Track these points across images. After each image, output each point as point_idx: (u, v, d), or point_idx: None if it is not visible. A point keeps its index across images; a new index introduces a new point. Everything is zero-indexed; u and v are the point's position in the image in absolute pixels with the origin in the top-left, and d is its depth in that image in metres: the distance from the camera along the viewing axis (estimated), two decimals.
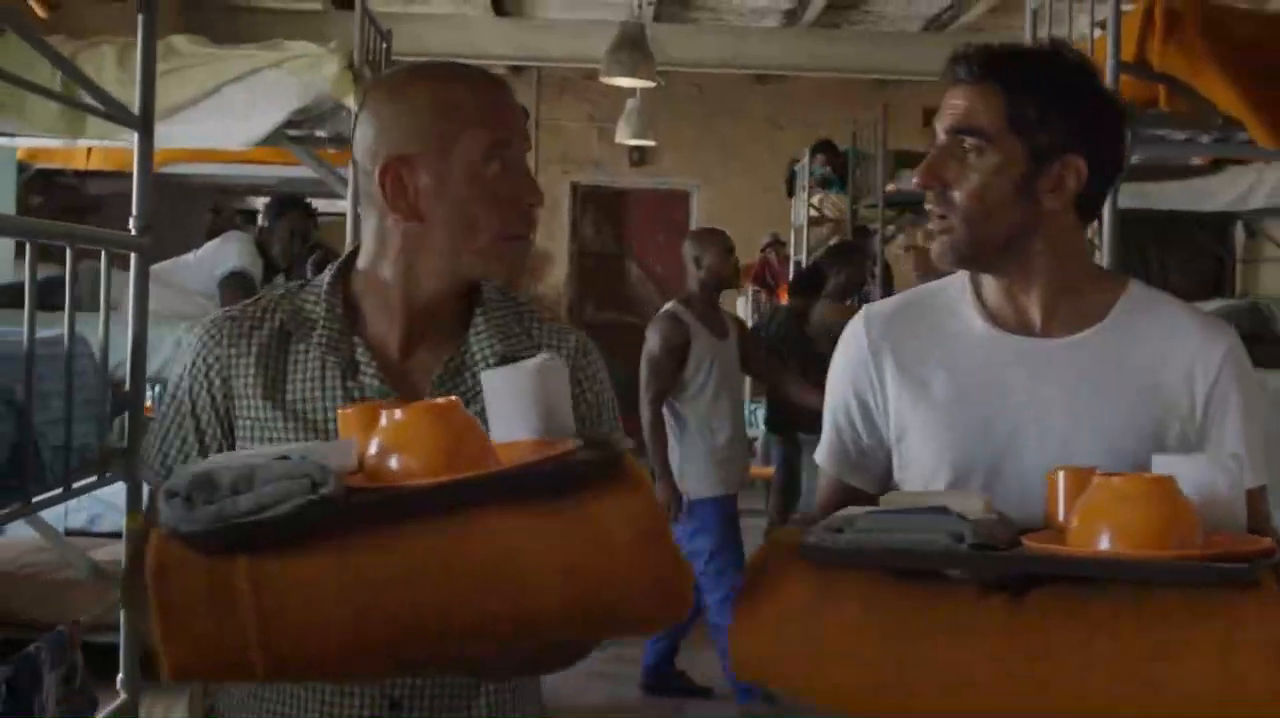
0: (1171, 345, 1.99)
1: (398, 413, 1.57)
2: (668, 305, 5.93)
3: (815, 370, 6.04)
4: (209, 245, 6.06)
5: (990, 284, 2.05)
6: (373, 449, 1.56)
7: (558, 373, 1.70)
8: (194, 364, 1.85)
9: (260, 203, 8.53)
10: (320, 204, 7.17)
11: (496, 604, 1.46)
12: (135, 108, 3.07)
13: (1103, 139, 2.00)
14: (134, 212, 3.05)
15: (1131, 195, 7.08)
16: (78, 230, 2.90)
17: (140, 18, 2.97)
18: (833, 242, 9.70)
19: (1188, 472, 1.66)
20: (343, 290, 1.88)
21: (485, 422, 1.67)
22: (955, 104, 1.98)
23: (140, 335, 3.05)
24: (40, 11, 5.30)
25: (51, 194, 7.50)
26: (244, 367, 1.84)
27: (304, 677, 1.66)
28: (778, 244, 11.48)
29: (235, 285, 5.69)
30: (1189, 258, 7.76)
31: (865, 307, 2.19)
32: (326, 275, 1.91)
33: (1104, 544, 1.56)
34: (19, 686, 2.57)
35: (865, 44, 11.62)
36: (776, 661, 1.63)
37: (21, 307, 2.60)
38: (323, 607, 1.47)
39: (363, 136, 1.85)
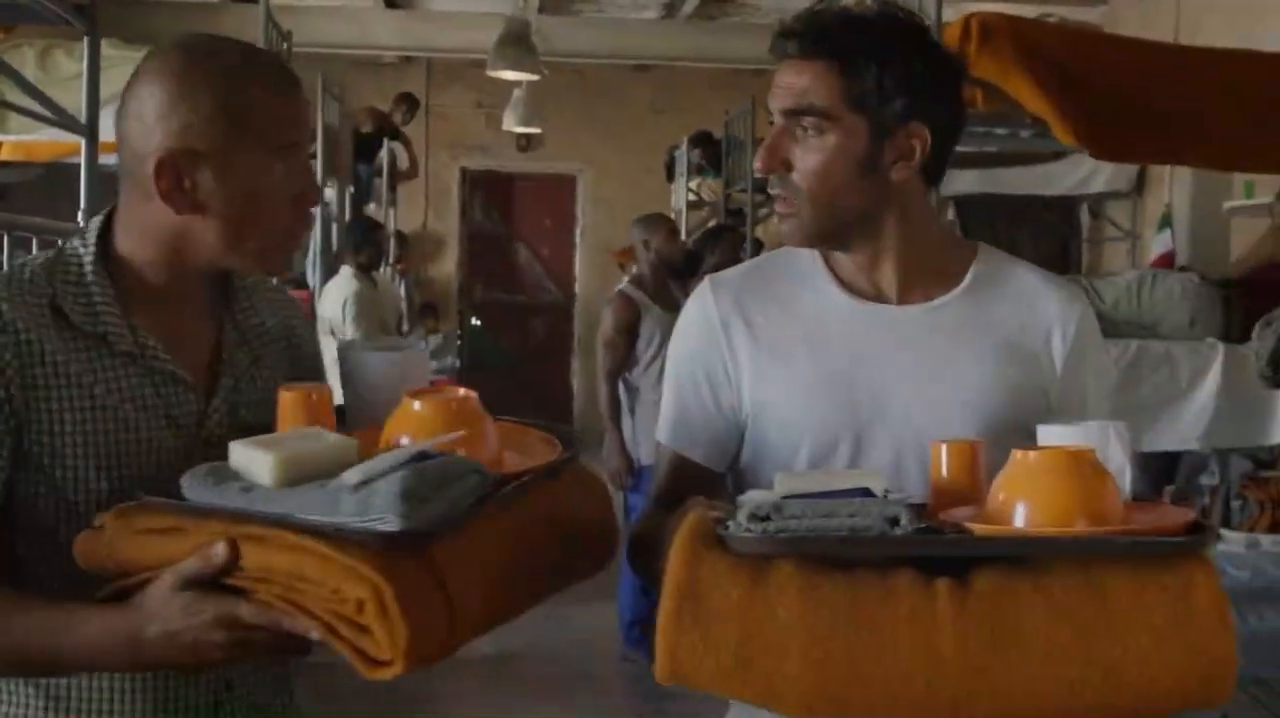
0: (1029, 307, 1.97)
1: (441, 401, 1.68)
2: (620, 286, 6.47)
3: None
4: None
5: (842, 257, 1.99)
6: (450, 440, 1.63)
7: (424, 360, 1.88)
8: None
9: None
10: None
11: None
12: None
13: (944, 102, 1.92)
14: (81, 206, 3.50)
15: (983, 180, 7.71)
16: (20, 220, 3.33)
17: (86, 40, 3.42)
18: (711, 224, 10.16)
19: (1083, 439, 1.64)
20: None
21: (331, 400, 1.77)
22: (789, 83, 1.88)
23: None
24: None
25: None
26: (38, 361, 1.68)
27: (476, 635, 1.62)
28: None
29: None
30: (1038, 238, 8.34)
31: (709, 276, 2.10)
32: (80, 248, 1.76)
33: (1032, 521, 1.52)
34: None
35: (741, 35, 12.01)
36: (711, 663, 1.48)
37: None
38: (479, 573, 1.57)
39: (136, 114, 1.69)
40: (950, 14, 4.89)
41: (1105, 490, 1.54)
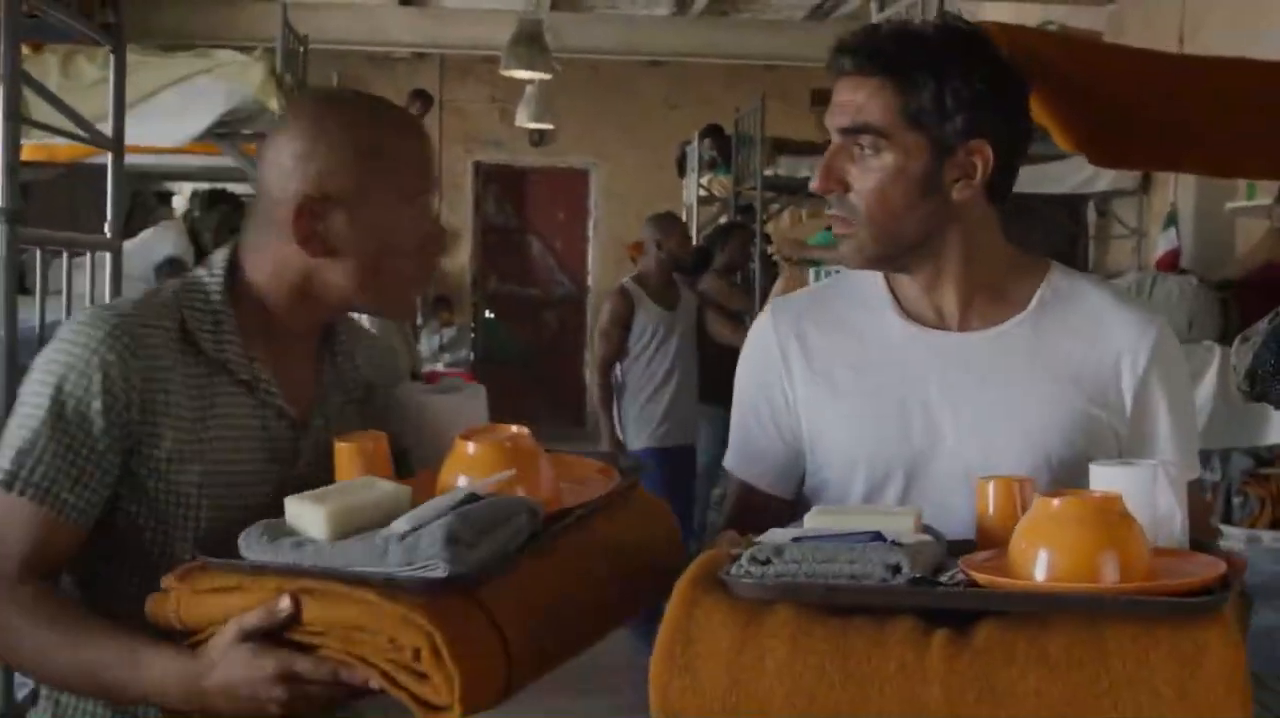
0: (1097, 335, 1.88)
1: (500, 444, 1.70)
2: (622, 281, 6.69)
3: (703, 344, 6.77)
4: (144, 234, 6.54)
5: (904, 279, 1.93)
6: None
7: (483, 398, 1.91)
8: (103, 380, 1.69)
9: (176, 187, 9.01)
10: (239, 188, 7.67)
11: None
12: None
13: (1007, 117, 1.84)
14: (109, 218, 3.62)
15: None
16: (53, 236, 3.46)
17: (112, 57, 3.53)
18: (722, 220, 10.23)
19: (1128, 482, 1.57)
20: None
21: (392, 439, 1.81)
22: (844, 100, 1.83)
23: None
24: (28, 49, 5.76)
25: None
26: (162, 383, 1.73)
27: (534, 677, 1.63)
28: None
29: (171, 272, 6.20)
30: (1045, 236, 8.41)
31: (774, 300, 2.08)
32: (207, 276, 1.82)
33: (1050, 571, 1.46)
34: None
35: (752, 31, 12.09)
36: (700, 704, 1.47)
37: None
38: (535, 615, 1.59)
39: (275, 161, 1.77)
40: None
41: (1129, 541, 1.47)
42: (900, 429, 1.88)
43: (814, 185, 1.87)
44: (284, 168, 1.76)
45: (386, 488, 1.66)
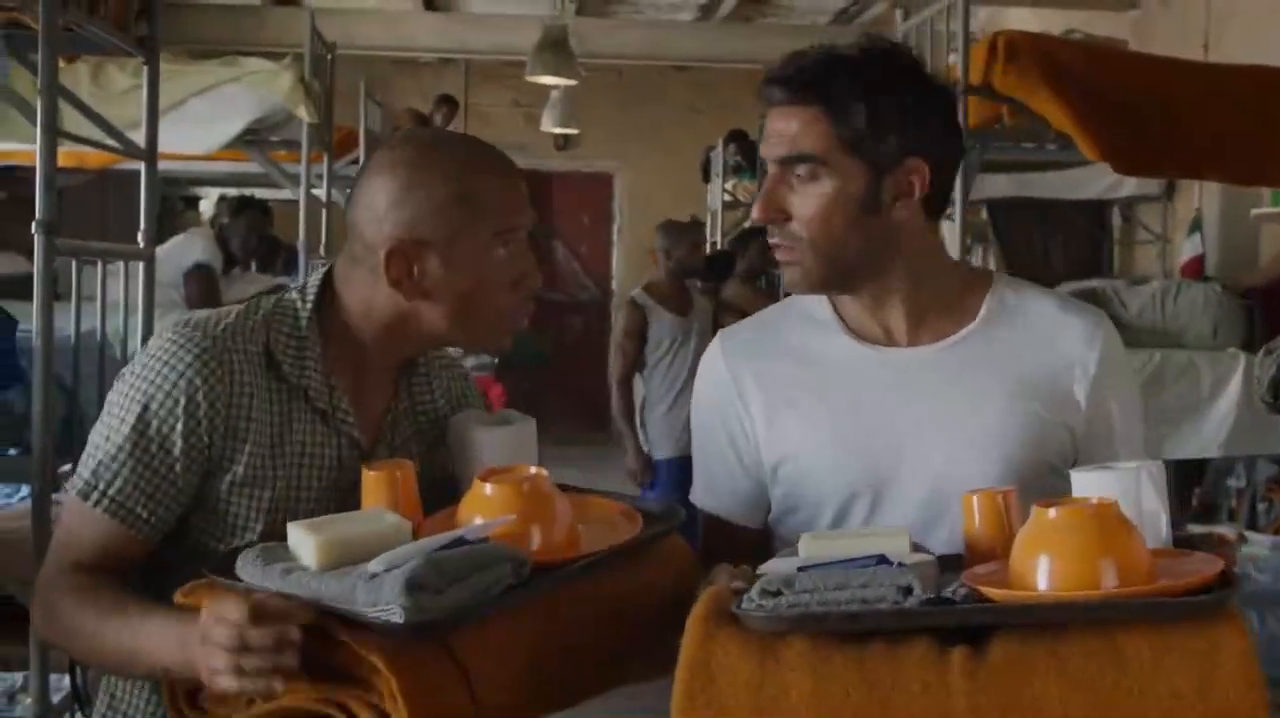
0: (1047, 342, 1.89)
1: (516, 486, 1.68)
2: (631, 292, 6.67)
3: None
4: (174, 240, 6.61)
5: (847, 299, 1.93)
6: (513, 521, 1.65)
7: (532, 431, 1.89)
8: (188, 405, 1.72)
9: (203, 192, 9.09)
10: (265, 194, 7.74)
11: None
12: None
13: (939, 132, 1.87)
14: (142, 227, 3.67)
15: (1015, 184, 7.80)
16: (88, 247, 3.50)
17: (145, 69, 3.58)
18: (747, 224, 10.25)
19: (1113, 486, 1.59)
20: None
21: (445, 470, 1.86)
22: (779, 130, 1.84)
23: (149, 328, 3.66)
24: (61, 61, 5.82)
25: (9, 187, 8.02)
26: (245, 408, 1.76)
27: None
28: (696, 226, 11.91)
29: (200, 277, 6.28)
30: (1069, 241, 8.42)
31: (721, 331, 2.08)
32: (299, 302, 1.84)
33: (1055, 581, 1.46)
34: None
35: (776, 36, 12.08)
36: None
37: (16, 298, 3.18)
38: (511, 665, 1.59)
39: (369, 203, 1.78)
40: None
41: (1130, 545, 1.48)
42: (861, 450, 1.88)
43: (754, 216, 1.89)
44: (376, 212, 1.78)
45: (389, 521, 1.67)
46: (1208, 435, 4.89)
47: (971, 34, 4.66)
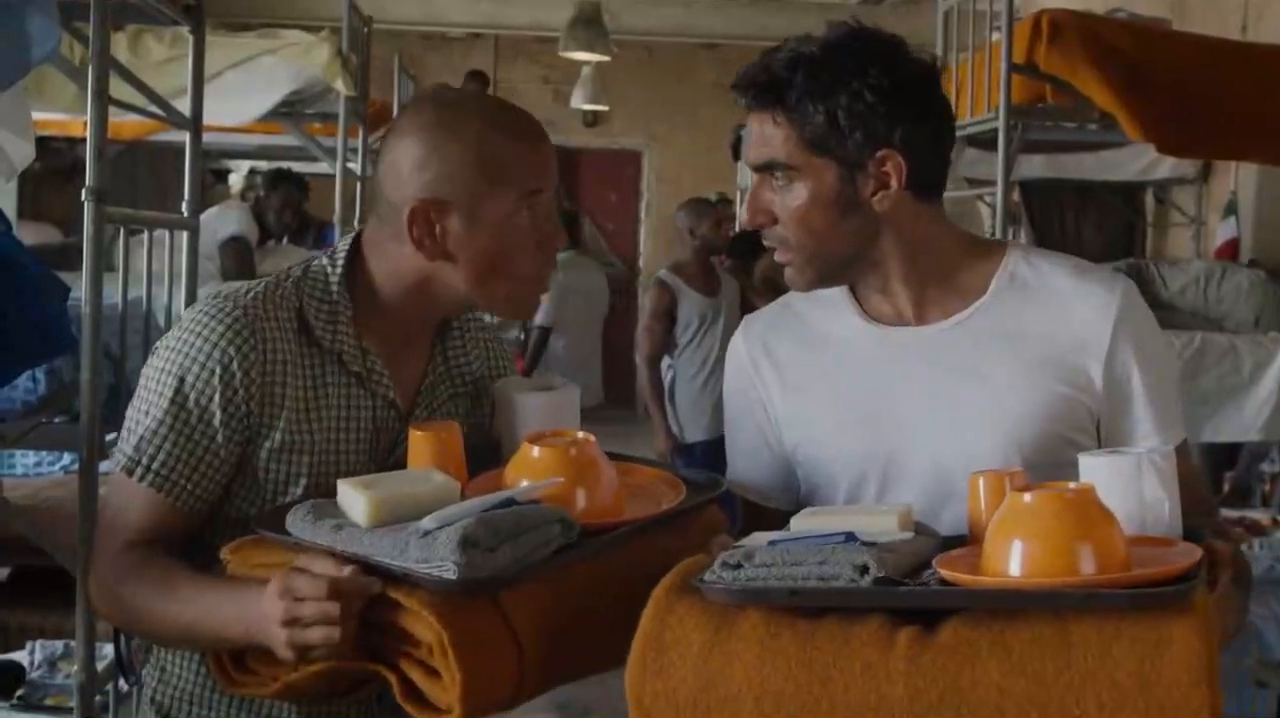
0: (1060, 312, 1.84)
1: (566, 451, 1.70)
2: (659, 273, 6.62)
3: None
4: (210, 212, 6.62)
5: (862, 283, 1.93)
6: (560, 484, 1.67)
7: (575, 397, 1.91)
8: (223, 375, 1.74)
9: (233, 164, 9.10)
10: (300, 167, 7.74)
11: None
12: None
13: (913, 116, 1.81)
14: (185, 196, 3.68)
15: (1049, 165, 7.76)
16: (136, 215, 3.51)
17: (191, 38, 3.58)
18: None
19: (1114, 472, 1.57)
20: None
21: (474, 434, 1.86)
22: (753, 135, 1.84)
23: (193, 298, 3.67)
24: None
25: (45, 157, 8.04)
26: (280, 375, 1.77)
27: (548, 688, 1.66)
28: (724, 204, 11.94)
29: (236, 249, 6.29)
30: (1103, 223, 8.38)
31: (746, 317, 2.09)
32: (329, 267, 1.85)
33: (1019, 566, 1.45)
34: None
35: (807, 14, 12.05)
36: (673, 708, 1.48)
37: (66, 268, 3.19)
38: (558, 626, 1.61)
39: (392, 166, 1.79)
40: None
41: (1104, 534, 1.45)
42: (871, 429, 1.87)
43: (742, 221, 1.88)
44: (400, 172, 1.78)
45: (438, 481, 1.68)
46: (1247, 419, 4.86)
47: (1014, 12, 4.61)
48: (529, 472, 1.70)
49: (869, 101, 1.78)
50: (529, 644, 1.57)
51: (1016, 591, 1.44)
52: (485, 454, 1.85)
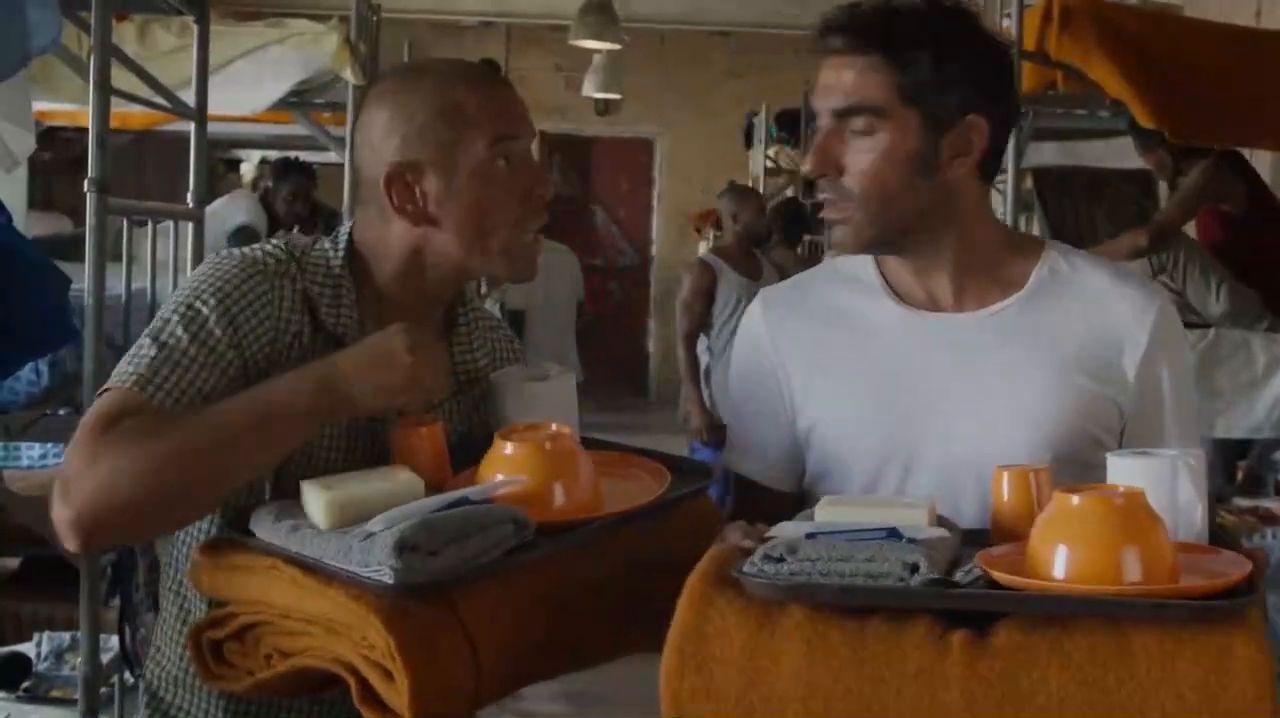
0: (1097, 313, 1.83)
1: (538, 446, 1.67)
2: (700, 254, 6.77)
3: None
4: (218, 202, 6.64)
5: (894, 262, 1.88)
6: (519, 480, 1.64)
7: (571, 386, 1.87)
8: (239, 311, 1.70)
9: (244, 154, 9.10)
10: (309, 156, 7.74)
11: None
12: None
13: (999, 93, 1.82)
14: (191, 187, 3.66)
15: (1061, 153, 7.73)
16: (140, 206, 3.51)
17: (196, 28, 3.56)
18: (788, 192, 10.23)
19: (1147, 474, 1.53)
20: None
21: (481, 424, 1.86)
22: (836, 80, 1.77)
23: None
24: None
25: (54, 147, 8.06)
26: (286, 344, 1.75)
27: (510, 691, 1.62)
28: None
29: (245, 239, 6.28)
30: (1115, 211, 8.35)
31: (761, 291, 2.03)
32: (330, 250, 1.82)
33: (1070, 570, 1.40)
34: (120, 565, 3.24)
35: (820, 1, 11.98)
36: (714, 706, 1.42)
37: (61, 258, 3.18)
38: (518, 628, 1.57)
39: (365, 140, 1.79)
40: None
41: (1154, 540, 1.41)
42: (893, 415, 1.83)
43: (805, 169, 1.84)
44: (372, 144, 1.79)
45: (402, 479, 1.65)
46: (1260, 415, 4.85)
47: None
48: (503, 468, 1.67)
49: (971, 64, 1.77)
50: (485, 647, 1.54)
51: (1079, 597, 1.39)
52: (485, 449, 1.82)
